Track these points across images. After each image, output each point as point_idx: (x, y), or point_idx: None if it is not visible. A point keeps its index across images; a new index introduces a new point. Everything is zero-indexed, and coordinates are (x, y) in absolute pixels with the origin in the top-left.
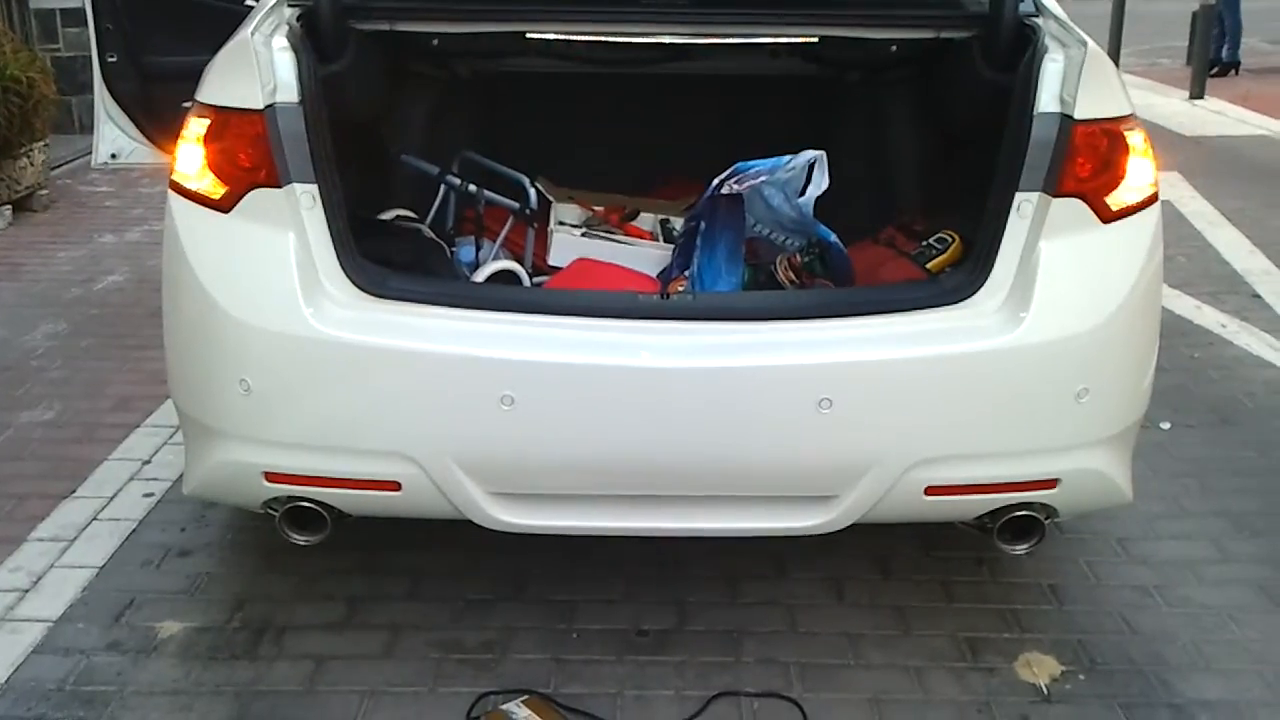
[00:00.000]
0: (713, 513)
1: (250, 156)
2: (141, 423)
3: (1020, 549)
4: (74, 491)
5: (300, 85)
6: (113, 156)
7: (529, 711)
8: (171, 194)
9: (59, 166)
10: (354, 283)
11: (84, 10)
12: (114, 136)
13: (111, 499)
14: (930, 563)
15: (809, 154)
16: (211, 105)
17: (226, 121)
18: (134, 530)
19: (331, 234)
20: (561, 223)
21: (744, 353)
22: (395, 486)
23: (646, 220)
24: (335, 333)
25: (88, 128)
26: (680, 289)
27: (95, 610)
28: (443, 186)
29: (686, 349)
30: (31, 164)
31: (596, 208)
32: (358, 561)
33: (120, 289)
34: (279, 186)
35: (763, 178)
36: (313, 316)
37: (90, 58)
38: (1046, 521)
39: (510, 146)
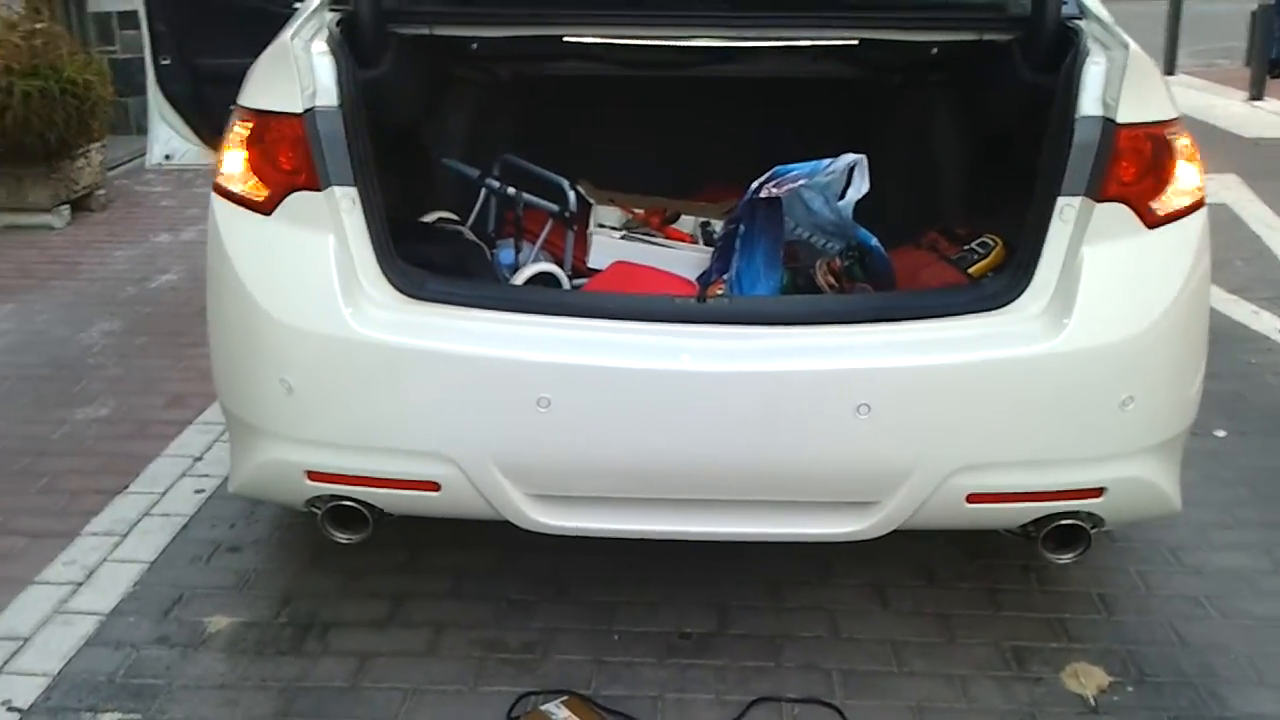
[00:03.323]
0: (750, 517)
1: (290, 160)
2: (194, 419)
3: (1065, 558)
4: (127, 487)
5: (339, 89)
6: (166, 157)
7: (569, 712)
8: (215, 196)
9: (116, 167)
10: (393, 285)
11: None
12: (168, 138)
13: (163, 495)
14: (976, 570)
15: (849, 157)
16: (252, 109)
17: (267, 125)
18: (185, 526)
19: (371, 236)
20: (601, 225)
21: (781, 357)
22: (434, 487)
23: (687, 223)
24: (374, 334)
25: (144, 129)
26: (719, 292)
27: (146, 604)
28: (483, 189)
29: (723, 353)
30: (89, 164)
31: (637, 210)
32: (402, 559)
33: (174, 288)
34: (319, 189)
35: (801, 181)
36: (352, 318)
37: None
38: (1093, 531)
39: (553, 149)
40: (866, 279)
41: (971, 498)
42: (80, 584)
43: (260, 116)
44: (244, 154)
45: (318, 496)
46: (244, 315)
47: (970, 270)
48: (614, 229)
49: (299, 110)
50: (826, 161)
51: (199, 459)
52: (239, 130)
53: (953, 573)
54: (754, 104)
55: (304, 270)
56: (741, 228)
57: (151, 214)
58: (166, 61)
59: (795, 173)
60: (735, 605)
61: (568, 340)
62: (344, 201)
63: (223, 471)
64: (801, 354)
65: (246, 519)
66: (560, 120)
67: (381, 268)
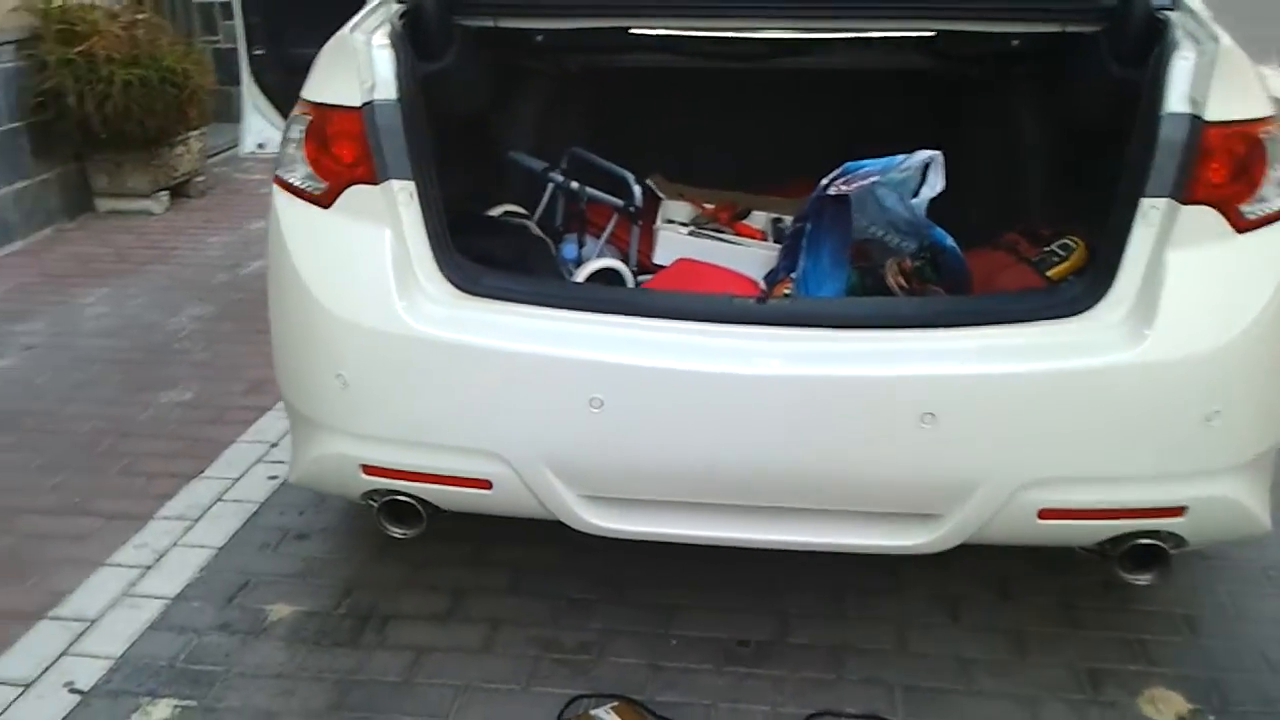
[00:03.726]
0: (809, 526)
1: (348, 153)
2: (272, 406)
3: (1143, 579)
4: (202, 472)
5: (399, 82)
6: (260, 146)
7: (618, 718)
8: (276, 188)
9: (216, 155)
10: (449, 280)
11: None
12: (260, 127)
13: (237, 480)
14: (1053, 585)
15: (924, 154)
16: (312, 102)
17: (326, 118)
18: (255, 512)
19: (428, 230)
20: (670, 220)
21: (842, 362)
22: (486, 485)
23: (759, 219)
24: (429, 330)
25: None
26: (785, 292)
27: (211, 590)
28: (549, 183)
29: (781, 356)
30: (188, 151)
31: (707, 205)
32: (465, 553)
33: (264, 275)
34: (376, 183)
35: (873, 178)
36: (406, 313)
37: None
38: (1173, 551)
39: (624, 143)
40: (939, 281)
41: (1043, 513)
42: (149, 567)
43: (320, 109)
44: (304, 146)
45: (373, 490)
46: (301, 308)
47: (1049, 273)
48: (682, 224)
49: (357, 104)
50: (901, 157)
51: (274, 445)
52: (299, 123)
53: (1028, 586)
54: (829, 97)
55: (359, 264)
56: (809, 226)
57: (248, 201)
58: (260, 52)
59: (866, 169)
60: (797, 613)
61: (621, 340)
62: (401, 195)
63: None
64: (864, 359)
65: (316, 507)
66: (632, 113)
67: (438, 262)
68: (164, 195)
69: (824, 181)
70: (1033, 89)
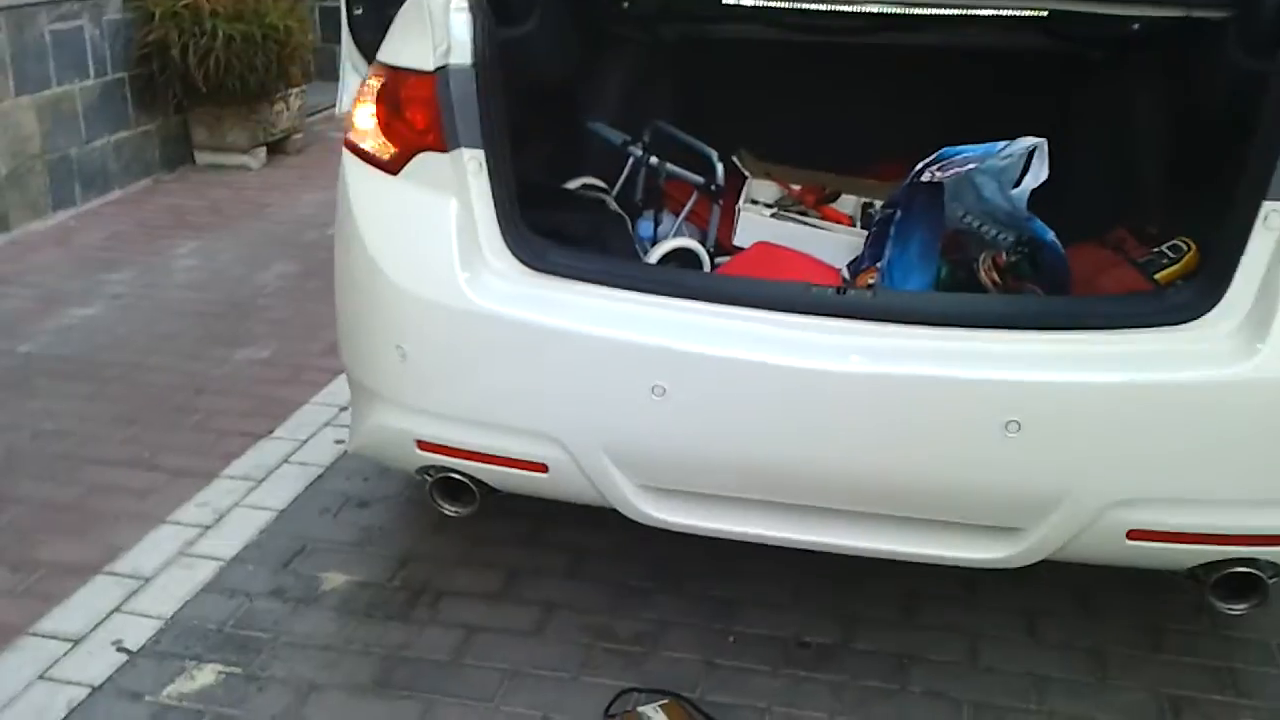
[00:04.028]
0: (878, 533)
1: (419, 119)
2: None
3: (1238, 609)
4: (272, 432)
5: (474, 47)
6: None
7: (665, 718)
8: (346, 152)
9: (315, 114)
10: (514, 255)
11: None
12: (357, 87)
13: (305, 443)
14: (1140, 603)
15: (1027, 141)
16: (386, 65)
17: (398, 82)
18: (320, 476)
19: (496, 203)
20: (753, 201)
21: (924, 361)
22: (542, 468)
23: (848, 203)
24: (490, 305)
25: None
26: (869, 282)
27: (267, 553)
28: (629, 156)
29: (857, 351)
30: (287, 109)
31: (793, 186)
32: (524, 531)
33: None
34: (446, 151)
35: (971, 165)
36: (469, 287)
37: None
38: (1271, 580)
39: (710, 118)
40: (1035, 278)
41: (1133, 534)
42: (208, 527)
43: (393, 72)
44: (375, 110)
45: (427, 466)
46: (364, 275)
47: (1157, 276)
48: (765, 205)
49: (430, 68)
50: (1002, 144)
51: (344, 409)
52: (373, 85)
53: (1112, 603)
54: (929, 77)
55: (424, 234)
56: (898, 213)
57: None
58: (359, 11)
59: (964, 155)
60: (864, 616)
61: (687, 325)
62: (471, 164)
63: None
64: (947, 359)
65: (380, 474)
66: (720, 87)
67: (504, 236)
68: (261, 151)
69: (918, 167)
70: (1149, 77)
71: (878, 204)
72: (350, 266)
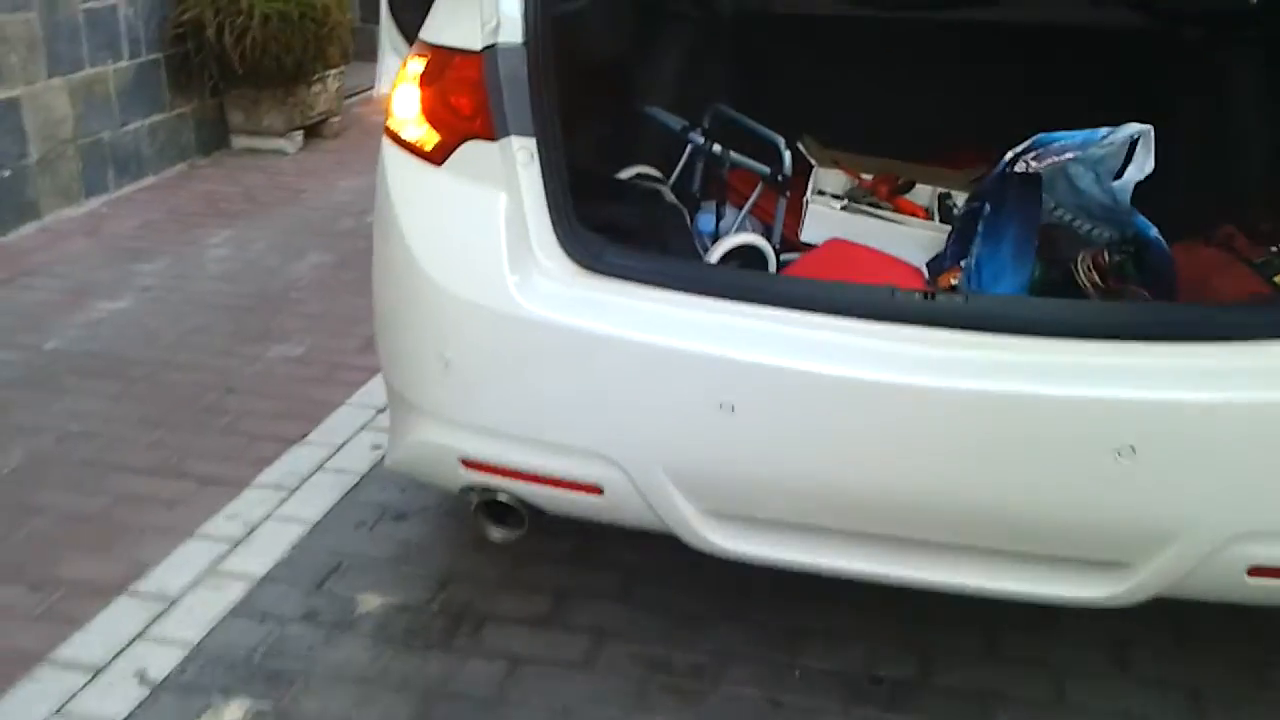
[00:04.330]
0: (966, 567)
1: (466, 103)
2: None
3: None
4: (305, 436)
5: (526, 24)
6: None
7: None
8: (385, 141)
9: (353, 95)
10: (568, 254)
11: None
12: (396, 68)
13: (340, 448)
14: (1243, 635)
15: (1132, 128)
16: (430, 44)
17: (444, 63)
18: (355, 485)
19: (548, 197)
20: (821, 192)
21: (1025, 377)
22: (596, 491)
23: (922, 194)
24: (541, 311)
25: None
26: (953, 282)
27: (300, 572)
28: (688, 144)
29: (951, 365)
30: (325, 90)
31: (864, 175)
32: (571, 548)
33: None
34: (494, 139)
35: (1070, 154)
36: (518, 291)
37: None
38: None
39: (774, 99)
40: (1140, 280)
41: (1255, 571)
42: (239, 541)
43: (437, 52)
44: (418, 94)
45: (472, 486)
46: (405, 275)
47: (1277, 279)
48: (834, 197)
49: (478, 47)
50: (1103, 131)
51: (380, 411)
52: (415, 67)
53: (1211, 637)
54: (1014, 56)
55: (470, 231)
56: (987, 207)
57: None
58: None
59: (1062, 143)
60: (941, 648)
61: (759, 334)
62: (521, 154)
63: None
64: (1053, 375)
65: (418, 484)
66: (784, 66)
67: (557, 234)
68: (298, 135)
69: (1009, 155)
70: (1263, 56)
71: (956, 196)
72: (390, 266)
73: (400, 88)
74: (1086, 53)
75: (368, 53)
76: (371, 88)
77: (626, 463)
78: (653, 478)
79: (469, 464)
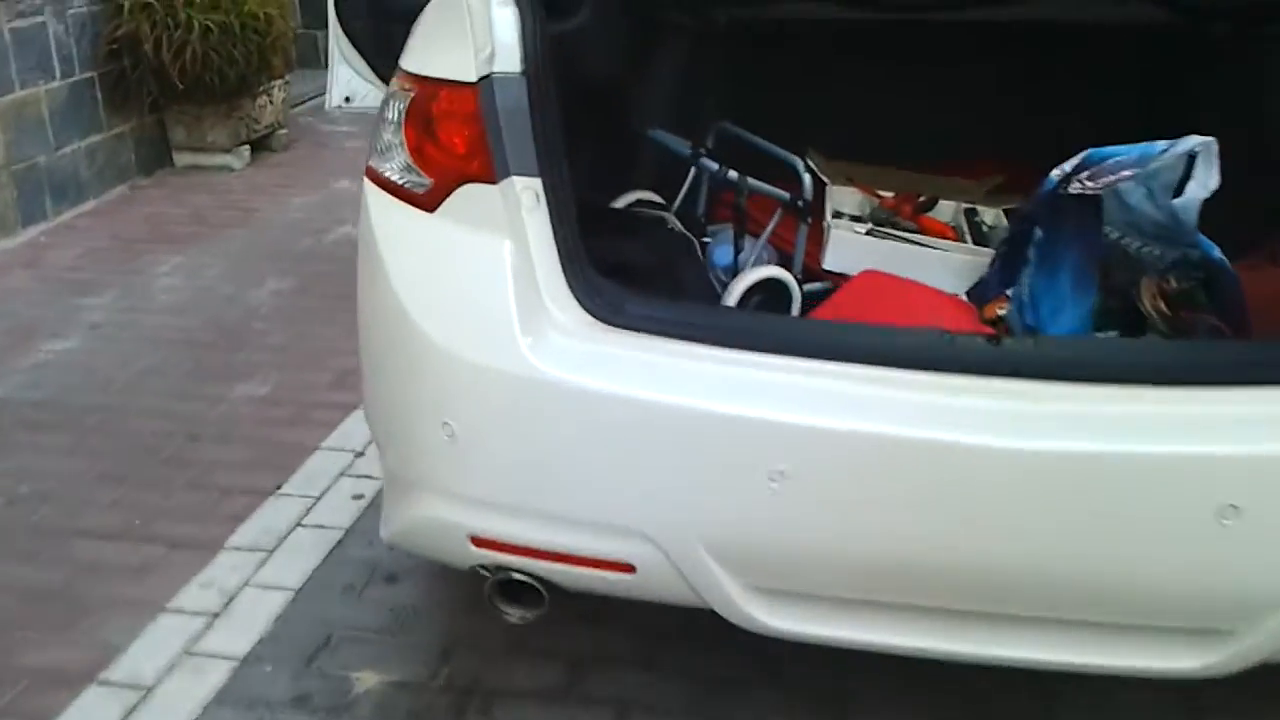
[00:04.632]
0: (1048, 641)
1: (460, 141)
2: (359, 404)
3: None
4: (279, 487)
5: (524, 50)
6: (346, 100)
7: None
8: (368, 184)
9: (301, 104)
10: (584, 306)
11: None
12: (348, 78)
13: (318, 499)
14: None
15: (1191, 141)
16: (414, 74)
17: (431, 95)
18: (339, 542)
19: (559, 243)
20: (839, 214)
21: (1113, 433)
22: (628, 569)
23: (945, 210)
24: (557, 372)
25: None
26: (1000, 312)
27: (286, 648)
28: (695, 169)
29: (1028, 421)
30: (271, 102)
31: (883, 193)
32: (586, 608)
33: (351, 241)
34: (494, 181)
35: (1127, 171)
36: (531, 350)
37: None
38: None
39: (775, 112)
40: (1213, 309)
41: None
42: (216, 615)
43: (423, 84)
44: (403, 133)
45: (483, 565)
46: (399, 337)
47: None
48: (855, 219)
49: (472, 78)
50: (1160, 145)
51: (360, 454)
52: (397, 101)
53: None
54: (1027, 59)
55: (473, 285)
56: (1038, 232)
57: (334, 156)
58: None
59: (1117, 160)
60: (999, 712)
61: (812, 393)
62: (525, 197)
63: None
64: (1145, 429)
65: None
66: (784, 76)
67: (570, 284)
68: (245, 150)
69: (1059, 173)
70: None
71: (982, 210)
72: (380, 325)
73: (382, 125)
74: (1100, 53)
75: (310, 58)
76: (319, 95)
77: (662, 538)
78: (692, 553)
79: (479, 542)
